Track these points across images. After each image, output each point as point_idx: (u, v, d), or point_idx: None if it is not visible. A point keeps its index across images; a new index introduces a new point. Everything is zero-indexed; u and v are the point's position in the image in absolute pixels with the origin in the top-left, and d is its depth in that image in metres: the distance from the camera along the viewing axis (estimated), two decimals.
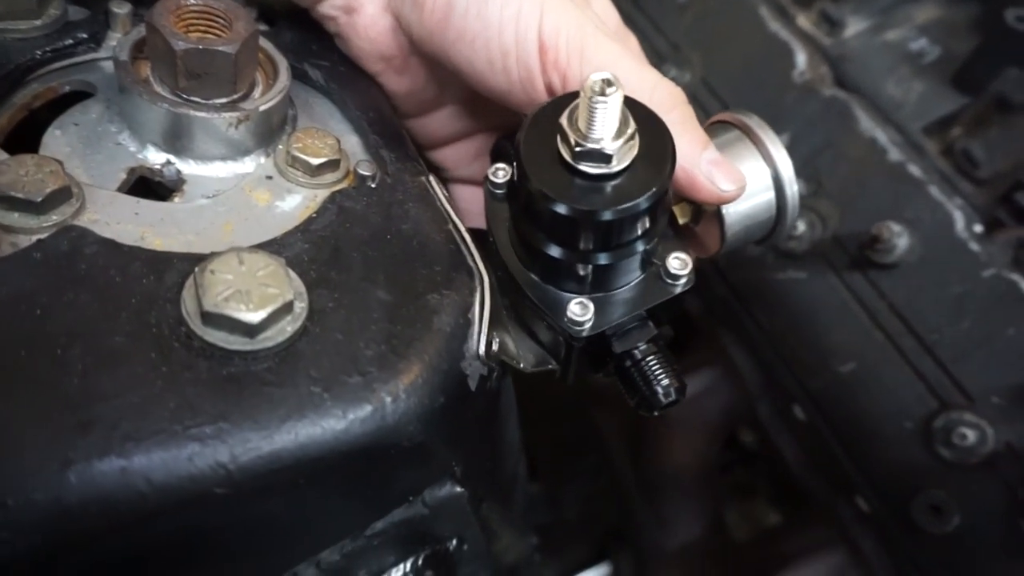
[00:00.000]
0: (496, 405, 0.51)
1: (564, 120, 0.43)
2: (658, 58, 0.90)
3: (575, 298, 0.46)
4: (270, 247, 0.41)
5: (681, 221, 0.53)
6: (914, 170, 0.74)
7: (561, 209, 0.43)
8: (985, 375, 0.67)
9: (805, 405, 0.80)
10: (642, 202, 0.43)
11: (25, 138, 0.46)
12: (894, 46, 0.86)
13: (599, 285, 0.47)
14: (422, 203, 0.47)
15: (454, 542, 0.53)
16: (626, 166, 0.43)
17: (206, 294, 0.35)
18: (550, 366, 0.51)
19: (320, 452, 0.36)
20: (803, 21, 0.89)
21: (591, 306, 0.46)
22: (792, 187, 0.52)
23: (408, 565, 0.51)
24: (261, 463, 0.34)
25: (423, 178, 0.49)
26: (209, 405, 0.34)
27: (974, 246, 0.70)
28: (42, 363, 0.33)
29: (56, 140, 0.44)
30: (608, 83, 0.40)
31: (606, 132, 0.41)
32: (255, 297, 0.35)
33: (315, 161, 0.46)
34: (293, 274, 0.39)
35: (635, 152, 0.43)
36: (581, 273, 0.46)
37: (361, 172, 0.47)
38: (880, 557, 0.78)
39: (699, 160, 0.47)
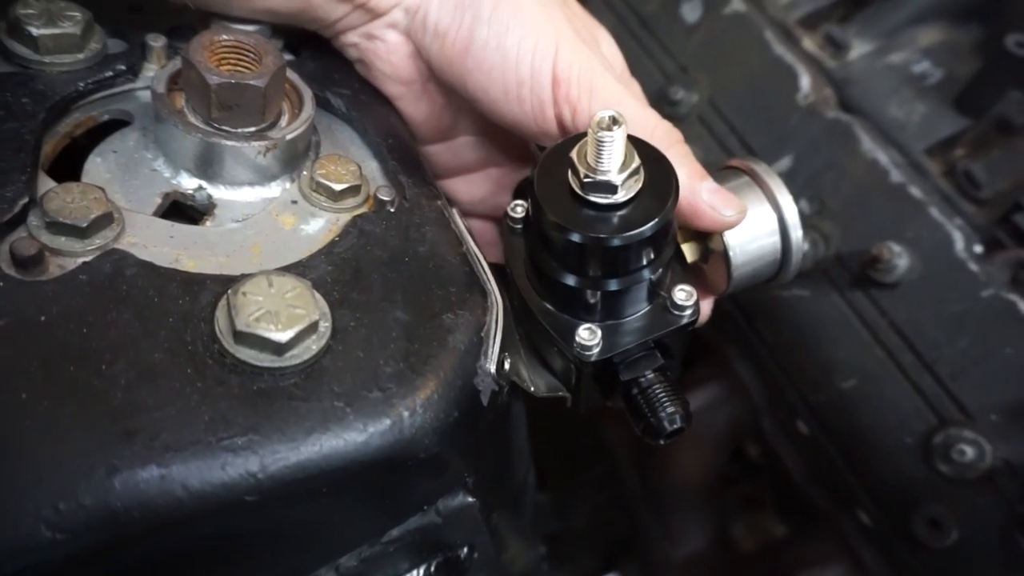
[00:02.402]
0: (507, 418, 0.54)
1: (574, 154, 0.46)
2: (666, 79, 0.93)
3: (585, 324, 0.49)
4: (296, 269, 0.44)
5: (690, 259, 0.56)
6: (915, 191, 0.76)
7: (572, 237, 0.45)
8: (983, 393, 0.69)
9: (808, 420, 0.82)
10: (647, 230, 0.45)
11: (65, 163, 0.49)
12: (897, 68, 0.88)
13: (608, 314, 0.50)
14: (438, 226, 0.50)
15: (465, 550, 0.56)
16: (632, 197, 0.46)
17: (238, 314, 0.38)
18: (561, 393, 0.54)
19: (342, 463, 0.38)
20: (808, 44, 0.91)
21: (599, 332, 0.49)
22: (796, 232, 0.55)
23: (421, 572, 0.53)
24: (288, 473, 0.36)
25: (439, 202, 0.52)
26: (241, 418, 0.36)
27: (973, 266, 0.72)
28: (89, 376, 0.36)
29: (96, 167, 0.47)
30: (614, 120, 0.43)
31: (612, 164, 0.44)
32: (283, 317, 0.38)
33: (337, 187, 0.48)
34: (318, 295, 0.41)
35: (640, 184, 0.46)
36: (591, 301, 0.49)
37: (381, 197, 0.50)
38: (881, 570, 0.79)
39: (700, 189, 0.50)
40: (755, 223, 0.54)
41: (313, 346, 0.40)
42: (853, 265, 0.77)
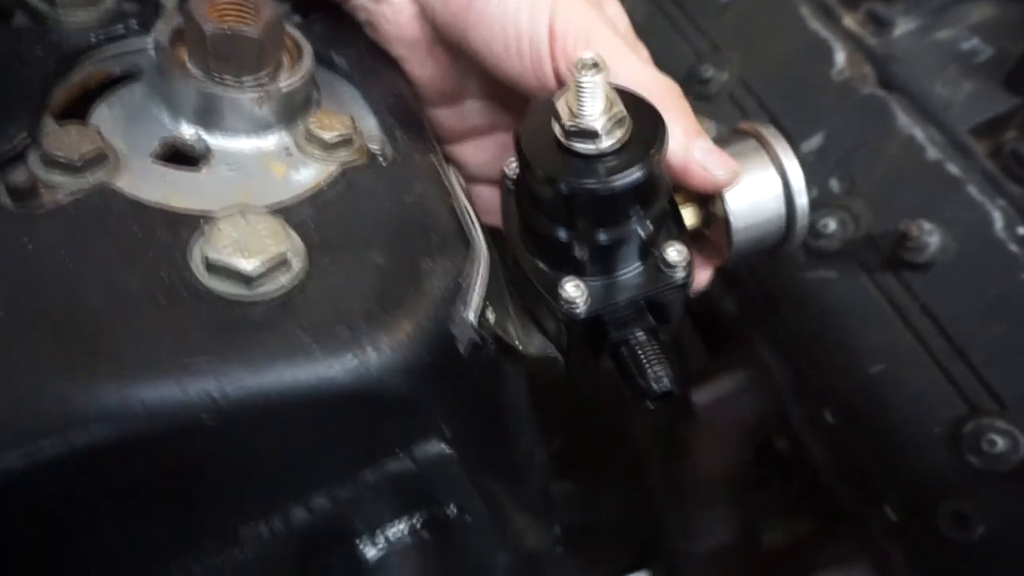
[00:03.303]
0: (496, 378, 0.53)
1: (558, 102, 0.45)
2: (697, 58, 0.91)
3: (573, 280, 0.48)
4: (278, 211, 0.45)
5: (691, 224, 0.54)
6: (952, 169, 0.72)
7: (553, 185, 0.45)
8: (1018, 381, 0.65)
9: (834, 408, 0.79)
10: (631, 176, 0.44)
11: (77, 115, 0.51)
12: (944, 46, 0.84)
13: (598, 271, 0.49)
14: (429, 180, 0.50)
15: (453, 509, 0.55)
16: (618, 147, 0.45)
17: (210, 245, 0.39)
18: (551, 353, 0.53)
19: (304, 394, 0.38)
20: (849, 21, 0.87)
21: (585, 287, 0.48)
22: (802, 197, 0.53)
23: (405, 525, 0.53)
24: (247, 399, 0.37)
25: (433, 157, 0.52)
26: (205, 343, 0.37)
27: (1013, 248, 0.68)
28: (62, 299, 0.37)
29: (101, 113, 0.49)
30: (595, 63, 0.42)
31: (594, 109, 0.43)
32: (254, 249, 0.39)
33: (329, 137, 0.49)
34: (294, 234, 0.42)
35: (627, 134, 0.45)
36: (579, 256, 0.48)
37: (373, 150, 0.50)
38: (907, 570, 0.75)
39: (692, 147, 0.49)
40: (758, 187, 0.52)
41: (283, 279, 0.40)
42: (884, 246, 0.73)
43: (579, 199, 0.45)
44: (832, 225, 0.75)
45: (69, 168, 0.43)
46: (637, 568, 1.23)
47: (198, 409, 0.36)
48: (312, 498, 0.45)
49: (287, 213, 0.45)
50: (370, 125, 0.54)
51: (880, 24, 0.85)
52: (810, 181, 0.79)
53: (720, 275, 0.94)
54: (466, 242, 0.48)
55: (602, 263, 0.49)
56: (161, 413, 0.35)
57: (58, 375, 0.34)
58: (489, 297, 0.47)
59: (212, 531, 0.42)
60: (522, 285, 0.52)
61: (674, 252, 0.49)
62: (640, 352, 0.49)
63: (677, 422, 1.01)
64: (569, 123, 0.44)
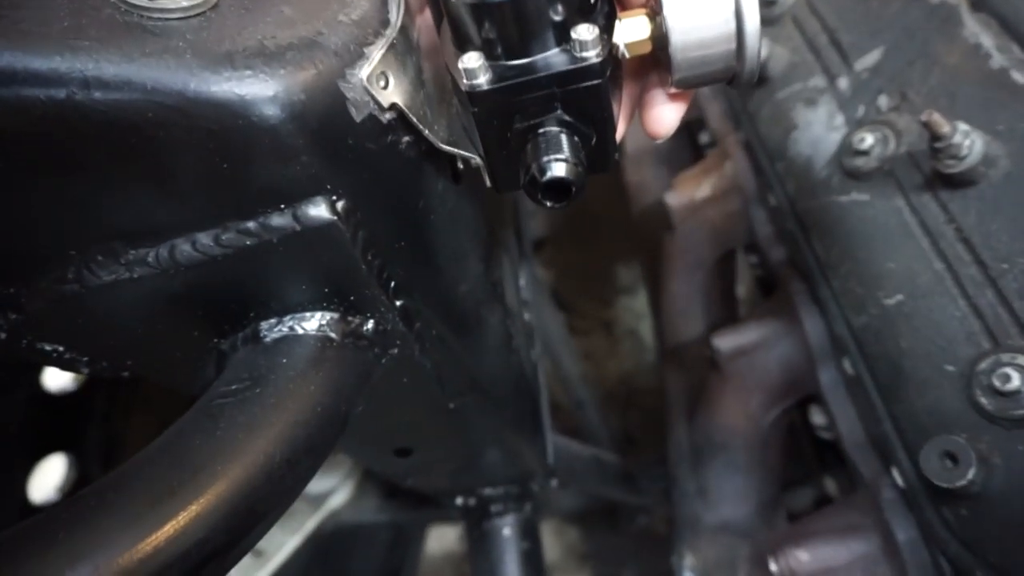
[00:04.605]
0: (411, 175, 0.52)
1: None
2: None
3: (475, 54, 0.46)
4: None
5: (639, 37, 0.51)
6: (1019, 77, 0.61)
7: None
8: None
9: (852, 353, 0.69)
10: None
11: None
12: None
13: (506, 51, 0.46)
14: None
15: (371, 323, 0.55)
16: None
17: None
18: (464, 153, 0.51)
19: (173, 100, 0.40)
20: None
21: (486, 62, 0.45)
22: (753, 20, 0.47)
23: (315, 322, 0.54)
24: (115, 82, 0.40)
25: None
26: (93, 31, 0.40)
27: None
28: None
29: None
30: None
31: None
32: None
33: None
34: None
35: None
36: (486, 34, 0.46)
37: None
38: (914, 545, 0.63)
39: None
40: (706, 4, 0.47)
41: (184, 2, 0.43)
42: (925, 165, 0.64)
43: None
44: (869, 140, 0.67)
45: None
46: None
47: (71, 82, 0.39)
48: (196, 235, 0.47)
49: None
50: None
51: None
52: (858, 100, 0.72)
53: (768, 215, 0.87)
54: (384, 21, 0.48)
55: (510, 42, 0.46)
56: (38, 78, 0.39)
57: None
58: (403, 79, 0.47)
59: (95, 236, 0.45)
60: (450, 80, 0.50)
61: (584, 30, 0.45)
62: (543, 140, 0.46)
63: (706, 376, 0.94)
64: None
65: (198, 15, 0.43)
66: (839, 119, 0.73)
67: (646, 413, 1.68)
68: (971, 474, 0.52)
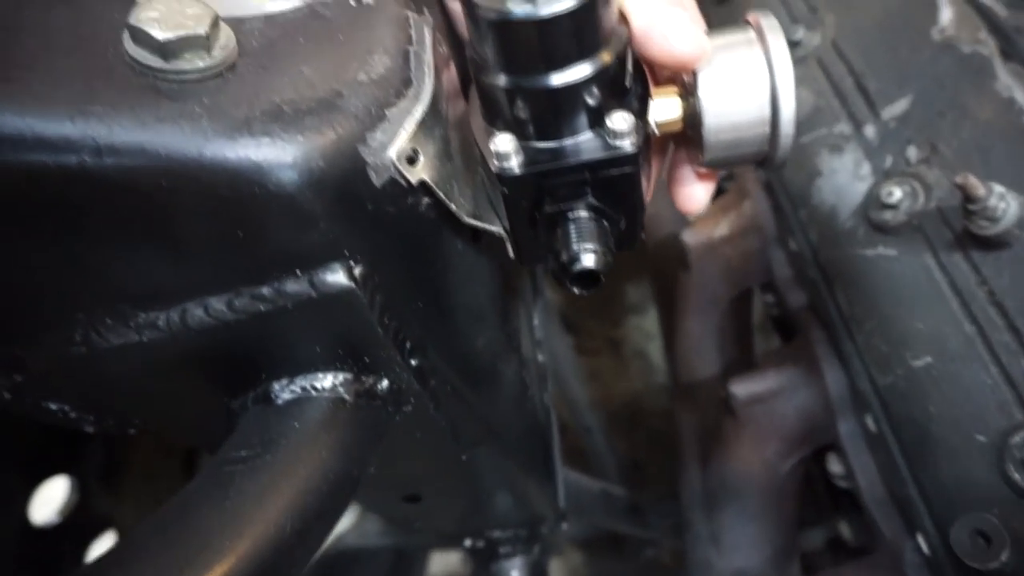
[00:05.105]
0: (431, 240, 0.51)
1: None
2: (791, 20, 0.84)
3: (507, 135, 0.45)
4: (230, 21, 0.46)
5: (670, 117, 0.49)
6: None
7: (474, 10, 0.42)
8: None
9: (875, 411, 0.67)
10: (562, 4, 0.40)
11: None
12: None
13: (539, 132, 0.46)
14: (392, 24, 0.50)
15: (385, 382, 0.54)
16: None
17: (135, 14, 0.41)
18: (489, 227, 0.50)
19: (187, 166, 0.39)
20: None
21: (517, 143, 0.45)
22: (789, 105, 0.45)
23: (329, 381, 0.52)
24: (125, 147, 0.38)
25: (409, 11, 0.52)
26: (106, 94, 0.39)
27: None
28: (5, 40, 0.41)
29: None
30: None
31: None
32: (171, 23, 0.41)
33: None
34: (226, 26, 0.43)
35: None
36: (516, 111, 0.45)
37: None
38: None
39: (661, 12, 0.44)
40: (742, 84, 0.46)
41: (199, 63, 0.41)
42: (956, 221, 0.62)
43: (503, 28, 0.42)
44: (898, 194, 0.65)
45: None
46: None
47: (81, 148, 0.37)
48: (208, 300, 0.45)
49: (239, 23, 0.46)
50: None
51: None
52: (886, 149, 0.70)
53: (788, 258, 0.85)
54: (406, 81, 0.47)
55: (543, 124, 0.45)
56: (45, 143, 0.38)
57: None
58: (429, 152, 0.46)
59: (104, 299, 0.44)
60: (479, 157, 0.50)
61: (620, 119, 0.44)
62: (573, 227, 0.45)
63: (720, 419, 0.92)
64: None
65: (215, 76, 0.42)
66: (865, 168, 0.71)
67: (653, 435, 1.66)
68: (1005, 556, 0.50)
